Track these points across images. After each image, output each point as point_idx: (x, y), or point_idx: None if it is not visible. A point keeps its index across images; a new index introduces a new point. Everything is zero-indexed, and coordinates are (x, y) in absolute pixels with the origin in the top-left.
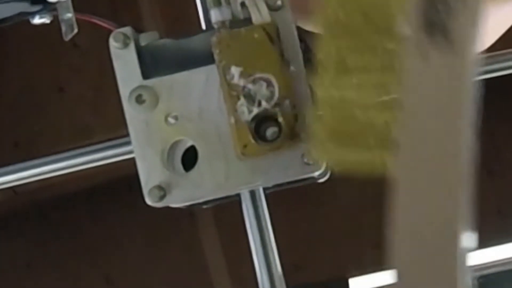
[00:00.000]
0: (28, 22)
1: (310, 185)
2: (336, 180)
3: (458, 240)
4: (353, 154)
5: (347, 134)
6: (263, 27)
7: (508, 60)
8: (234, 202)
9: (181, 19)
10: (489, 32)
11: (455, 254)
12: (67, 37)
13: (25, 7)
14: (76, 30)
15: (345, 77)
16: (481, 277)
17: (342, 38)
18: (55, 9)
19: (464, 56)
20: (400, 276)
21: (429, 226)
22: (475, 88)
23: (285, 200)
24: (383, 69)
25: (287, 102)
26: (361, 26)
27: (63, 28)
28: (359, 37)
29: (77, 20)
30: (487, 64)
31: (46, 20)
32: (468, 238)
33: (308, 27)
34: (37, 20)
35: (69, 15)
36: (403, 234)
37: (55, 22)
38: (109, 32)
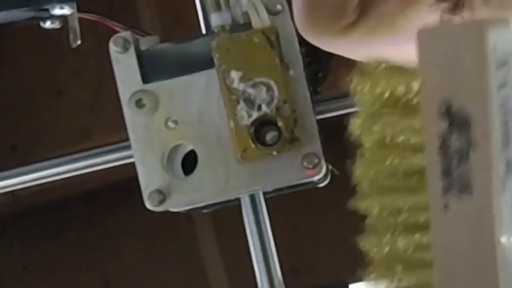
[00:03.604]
0: (27, 25)
1: (310, 189)
2: (337, 184)
3: None
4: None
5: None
6: (263, 31)
7: None
8: (233, 206)
9: (181, 23)
10: None
11: None
12: (73, 45)
13: (37, 12)
14: (79, 42)
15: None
16: None
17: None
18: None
19: (482, 200)
20: None
21: None
22: (498, 230)
23: (285, 205)
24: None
25: (286, 106)
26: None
27: (71, 36)
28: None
29: (86, 20)
30: None
31: (56, 25)
32: None
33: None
34: (48, 25)
35: (76, 23)
36: None
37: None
38: (109, 35)
